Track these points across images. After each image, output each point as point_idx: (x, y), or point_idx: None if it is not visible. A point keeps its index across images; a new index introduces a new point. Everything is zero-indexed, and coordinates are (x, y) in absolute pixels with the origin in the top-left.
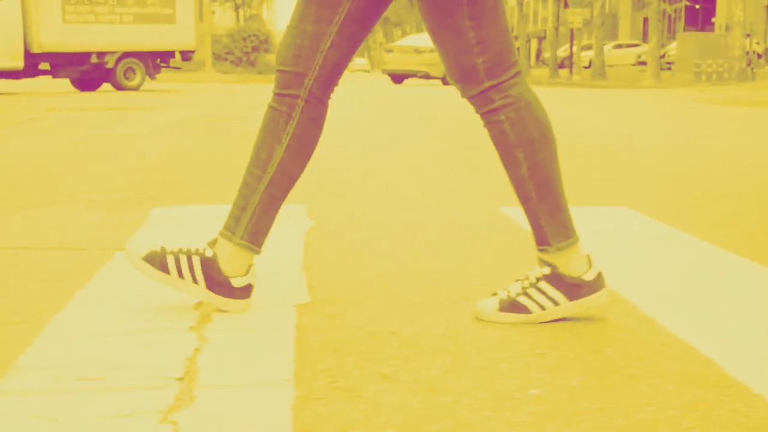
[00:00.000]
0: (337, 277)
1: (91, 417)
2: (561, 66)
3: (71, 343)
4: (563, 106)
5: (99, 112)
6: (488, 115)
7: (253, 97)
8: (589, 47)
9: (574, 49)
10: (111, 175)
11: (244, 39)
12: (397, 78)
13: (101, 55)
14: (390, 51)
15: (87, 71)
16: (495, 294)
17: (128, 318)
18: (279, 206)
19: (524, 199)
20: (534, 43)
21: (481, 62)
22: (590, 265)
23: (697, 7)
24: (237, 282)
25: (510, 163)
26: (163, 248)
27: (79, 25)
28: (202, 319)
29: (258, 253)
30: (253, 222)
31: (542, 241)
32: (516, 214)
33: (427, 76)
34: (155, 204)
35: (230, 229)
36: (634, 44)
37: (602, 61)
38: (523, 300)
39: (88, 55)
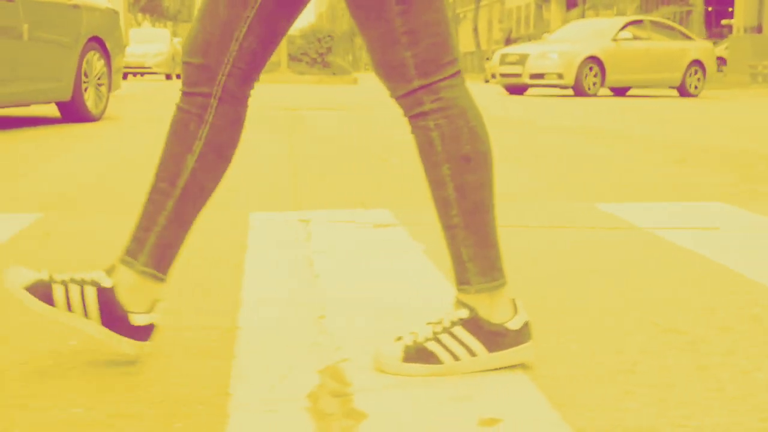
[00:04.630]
0: None
1: None
2: None
3: None
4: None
5: (320, 111)
6: (415, 120)
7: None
8: None
9: None
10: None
11: (319, 40)
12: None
13: None
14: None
15: None
16: (400, 338)
17: None
18: (191, 225)
19: (447, 226)
20: None
21: (410, 56)
22: (516, 312)
23: (710, 9)
24: (137, 319)
25: (435, 181)
26: (51, 276)
27: None
28: None
29: (163, 281)
30: (160, 245)
31: (463, 279)
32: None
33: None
34: None
35: (132, 253)
36: None
37: None
38: (432, 347)
39: None
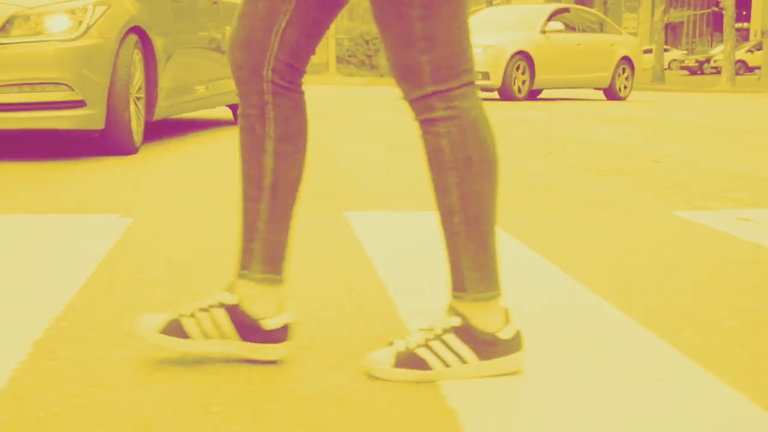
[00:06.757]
0: None
1: None
2: None
3: None
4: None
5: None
6: (426, 125)
7: None
8: None
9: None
10: None
11: (367, 42)
12: None
13: None
14: None
15: None
16: (391, 344)
17: None
18: (290, 220)
19: (449, 234)
20: None
21: (426, 61)
22: (507, 322)
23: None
24: (269, 324)
25: (440, 187)
26: (177, 311)
27: None
28: None
29: (282, 282)
30: (268, 249)
31: (459, 287)
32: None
33: None
34: None
35: (245, 265)
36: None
37: (662, 66)
38: (423, 353)
39: None
